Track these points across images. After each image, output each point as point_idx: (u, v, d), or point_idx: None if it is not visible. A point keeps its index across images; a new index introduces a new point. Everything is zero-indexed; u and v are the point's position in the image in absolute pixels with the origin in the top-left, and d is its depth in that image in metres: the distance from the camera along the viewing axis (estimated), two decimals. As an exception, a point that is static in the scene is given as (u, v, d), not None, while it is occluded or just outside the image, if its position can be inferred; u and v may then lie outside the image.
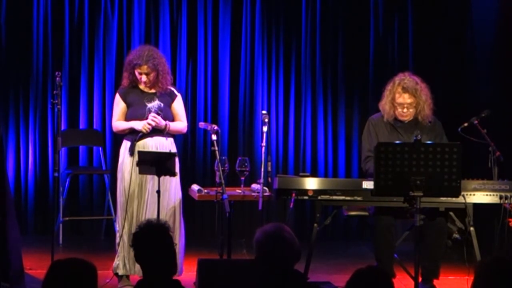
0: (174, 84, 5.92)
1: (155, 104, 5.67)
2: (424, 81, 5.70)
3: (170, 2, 7.74)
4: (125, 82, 5.75)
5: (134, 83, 5.72)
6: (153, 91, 5.72)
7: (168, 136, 5.71)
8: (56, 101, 5.59)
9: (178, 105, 5.82)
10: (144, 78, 5.65)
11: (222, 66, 7.79)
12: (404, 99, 5.61)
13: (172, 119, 5.75)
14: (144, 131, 5.58)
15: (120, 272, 5.59)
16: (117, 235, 5.68)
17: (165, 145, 5.66)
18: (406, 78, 5.65)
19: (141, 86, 5.71)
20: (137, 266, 5.31)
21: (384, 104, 5.69)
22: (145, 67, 5.62)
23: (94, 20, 7.68)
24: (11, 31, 7.58)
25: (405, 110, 5.63)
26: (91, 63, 7.69)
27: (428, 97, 5.65)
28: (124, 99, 5.73)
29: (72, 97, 7.66)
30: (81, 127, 7.66)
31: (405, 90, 5.60)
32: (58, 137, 5.61)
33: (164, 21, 7.73)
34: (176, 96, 5.81)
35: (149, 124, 5.58)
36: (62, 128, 7.09)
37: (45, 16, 7.62)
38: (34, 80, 7.61)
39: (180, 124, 5.81)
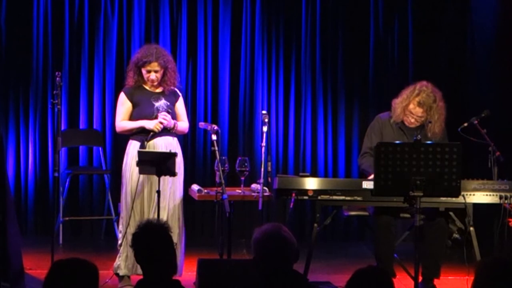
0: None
1: (162, 103, 5.64)
2: (443, 99, 5.65)
3: (170, 2, 7.74)
4: (130, 81, 5.70)
5: (140, 82, 5.68)
6: (159, 90, 5.69)
7: (174, 136, 5.70)
8: (56, 101, 5.58)
9: (181, 105, 5.80)
10: (153, 75, 5.60)
11: (222, 66, 7.79)
12: (416, 112, 5.60)
13: (176, 119, 5.74)
14: (156, 130, 5.54)
15: (121, 272, 5.58)
16: (119, 235, 5.67)
17: (173, 144, 5.63)
18: (425, 92, 5.58)
19: (147, 86, 5.69)
20: (138, 266, 5.30)
21: (397, 106, 5.68)
22: (156, 64, 5.58)
23: (94, 20, 7.67)
24: (11, 31, 7.57)
25: (413, 120, 5.63)
26: (91, 63, 7.68)
27: (442, 115, 5.62)
28: (130, 98, 5.67)
29: (72, 97, 7.66)
30: (81, 127, 7.66)
31: (420, 105, 5.58)
32: (58, 137, 5.60)
33: (164, 21, 7.72)
34: (179, 96, 5.79)
35: (160, 123, 5.55)
36: (62, 128, 7.08)
37: (45, 16, 7.62)
38: (34, 80, 7.61)
39: (184, 124, 5.80)
